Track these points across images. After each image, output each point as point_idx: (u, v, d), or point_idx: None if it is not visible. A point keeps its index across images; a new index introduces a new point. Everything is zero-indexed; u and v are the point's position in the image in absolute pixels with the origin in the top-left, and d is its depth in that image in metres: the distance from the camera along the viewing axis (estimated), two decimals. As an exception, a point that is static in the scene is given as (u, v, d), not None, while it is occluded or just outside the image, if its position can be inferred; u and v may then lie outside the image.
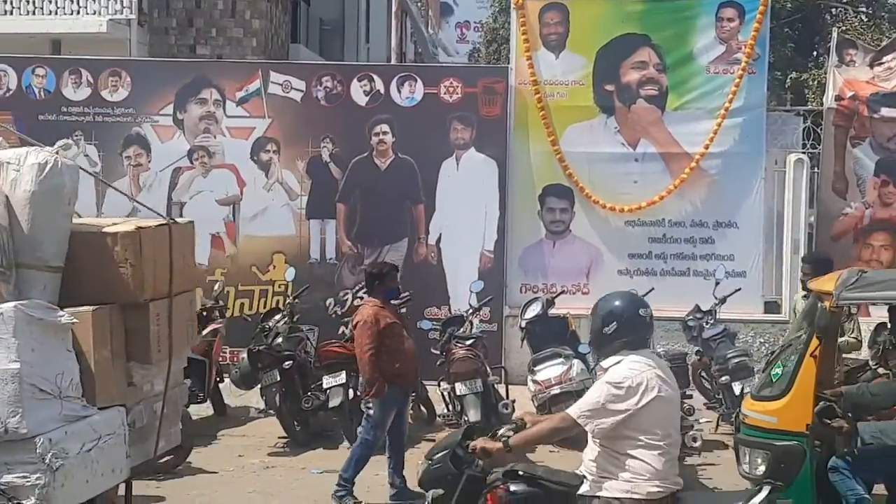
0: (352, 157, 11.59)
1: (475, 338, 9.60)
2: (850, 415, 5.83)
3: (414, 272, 11.29)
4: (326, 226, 11.60)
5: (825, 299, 5.76)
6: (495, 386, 9.50)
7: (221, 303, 10.76)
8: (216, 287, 10.91)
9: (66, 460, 4.60)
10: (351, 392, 9.21)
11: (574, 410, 4.71)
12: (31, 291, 4.97)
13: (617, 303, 4.83)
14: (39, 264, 5.07)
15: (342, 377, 9.13)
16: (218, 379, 10.22)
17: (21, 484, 4.42)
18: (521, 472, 4.93)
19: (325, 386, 9.21)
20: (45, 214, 5.08)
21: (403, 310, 9.12)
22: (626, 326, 4.73)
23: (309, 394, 9.38)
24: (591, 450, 4.74)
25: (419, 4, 31.79)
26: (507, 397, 9.42)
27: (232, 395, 10.46)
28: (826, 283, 5.98)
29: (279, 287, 11.47)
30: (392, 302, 8.13)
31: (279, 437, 9.49)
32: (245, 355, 9.67)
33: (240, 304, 11.52)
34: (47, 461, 4.49)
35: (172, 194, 11.66)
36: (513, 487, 4.88)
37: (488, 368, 9.39)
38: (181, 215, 11.57)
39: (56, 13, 15.96)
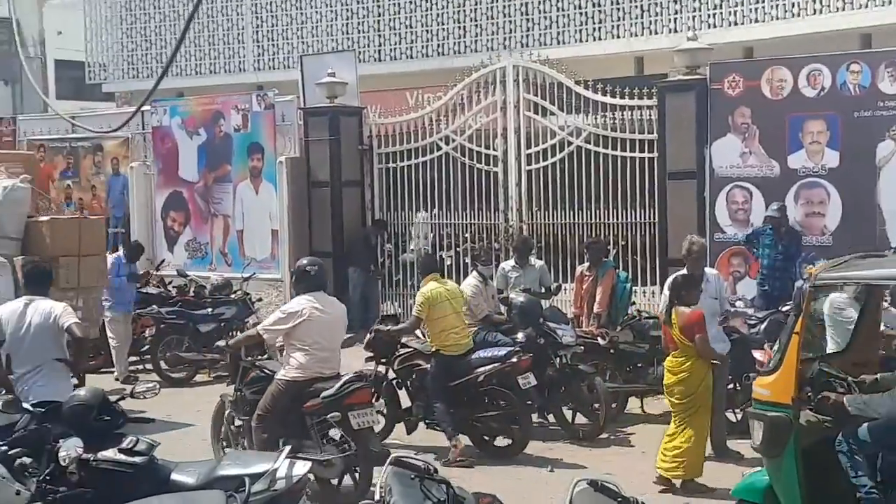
0: None
1: None
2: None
3: None
4: None
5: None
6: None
7: None
8: None
9: None
10: None
11: (260, 326, 8.63)
12: (1, 250, 10.31)
13: (299, 263, 8.69)
14: (4, 236, 10.45)
15: None
16: None
17: None
18: (256, 364, 8.87)
19: None
20: (8, 211, 10.52)
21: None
22: (300, 277, 8.50)
23: None
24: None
25: None
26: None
27: None
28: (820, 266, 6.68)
29: None
30: None
31: None
32: None
33: None
34: None
35: None
36: (253, 373, 8.80)
37: None
38: None
39: (866, 6, 15.97)
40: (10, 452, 6.07)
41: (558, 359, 10.48)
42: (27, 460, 5.98)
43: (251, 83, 21.60)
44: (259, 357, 9.16)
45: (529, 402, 9.92)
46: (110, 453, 5.90)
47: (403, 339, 10.31)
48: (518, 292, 11.18)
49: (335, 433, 8.31)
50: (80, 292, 10.49)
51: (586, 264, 11.88)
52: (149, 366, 14.00)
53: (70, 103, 27.85)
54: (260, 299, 15.10)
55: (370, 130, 16.22)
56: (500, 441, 9.99)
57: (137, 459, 5.84)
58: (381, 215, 16.17)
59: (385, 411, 10.20)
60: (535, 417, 10.58)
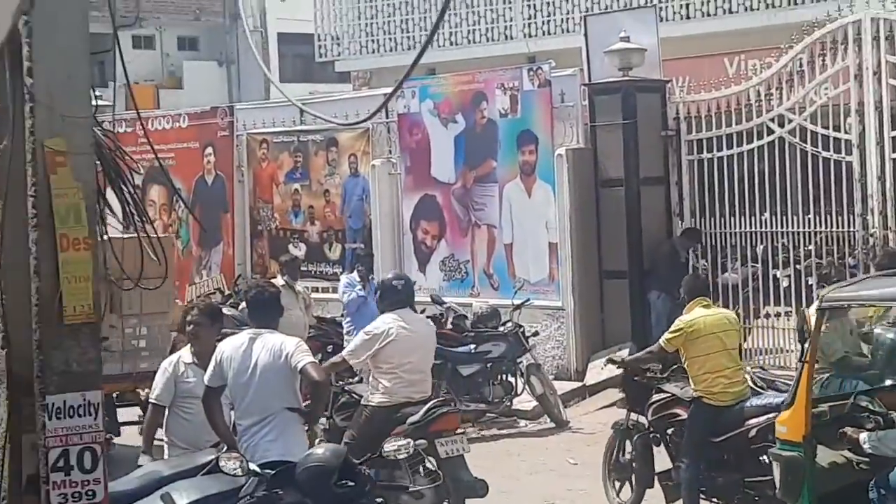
0: None
1: None
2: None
3: None
4: None
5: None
6: None
7: None
8: None
9: None
10: None
11: (344, 351, 10.15)
12: None
13: (384, 278, 10.79)
14: None
15: None
16: None
17: None
18: (345, 388, 10.99)
19: None
20: None
21: None
22: (385, 293, 9.90)
23: None
24: None
25: None
26: None
27: None
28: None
29: None
30: None
31: None
32: None
33: None
34: None
35: None
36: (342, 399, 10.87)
37: None
38: None
39: None
40: (234, 525, 6.33)
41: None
42: (254, 536, 6.23)
43: (521, 54, 21.87)
44: (349, 381, 10.84)
45: None
46: (356, 530, 6.07)
47: (664, 386, 10.37)
48: (887, 326, 10.78)
49: (428, 462, 9.50)
50: (143, 319, 12.03)
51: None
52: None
53: (296, 86, 29.09)
54: (536, 333, 15.24)
55: (676, 111, 16.13)
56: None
57: (390, 539, 5.98)
58: (693, 222, 16.01)
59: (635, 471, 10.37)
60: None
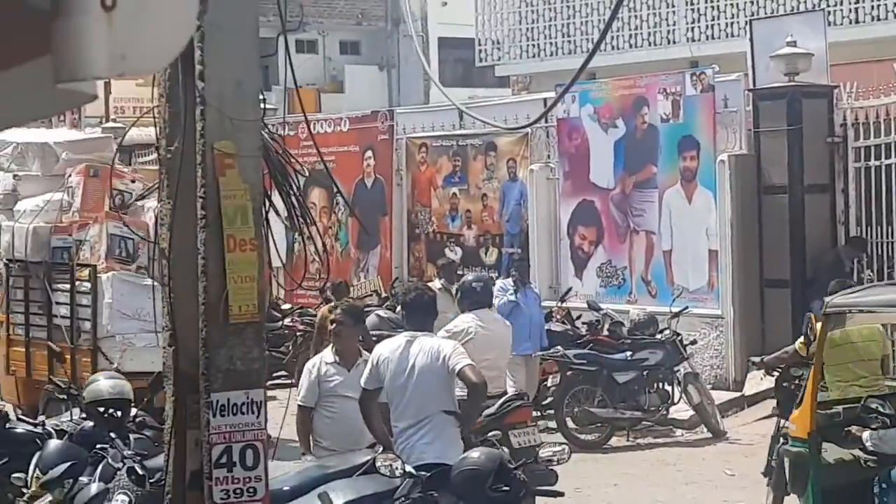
0: None
1: None
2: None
3: None
4: None
5: None
6: None
7: None
8: None
9: (131, 347, 12.93)
10: None
11: None
12: None
13: (464, 279, 11.85)
14: None
15: None
16: None
17: (113, 353, 13.12)
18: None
19: None
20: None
21: None
22: (465, 294, 11.08)
23: None
24: None
25: None
26: None
27: None
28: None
29: None
30: None
31: None
32: None
33: None
34: (122, 345, 13.12)
35: None
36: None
37: None
38: None
39: None
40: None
41: None
42: (410, 538, 6.30)
43: (683, 59, 21.68)
44: None
45: None
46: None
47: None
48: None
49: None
50: None
51: None
52: (552, 423, 14.37)
53: (456, 90, 29.20)
54: (694, 342, 15.09)
55: (843, 117, 15.84)
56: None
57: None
58: (859, 231, 15.72)
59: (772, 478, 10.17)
60: None
